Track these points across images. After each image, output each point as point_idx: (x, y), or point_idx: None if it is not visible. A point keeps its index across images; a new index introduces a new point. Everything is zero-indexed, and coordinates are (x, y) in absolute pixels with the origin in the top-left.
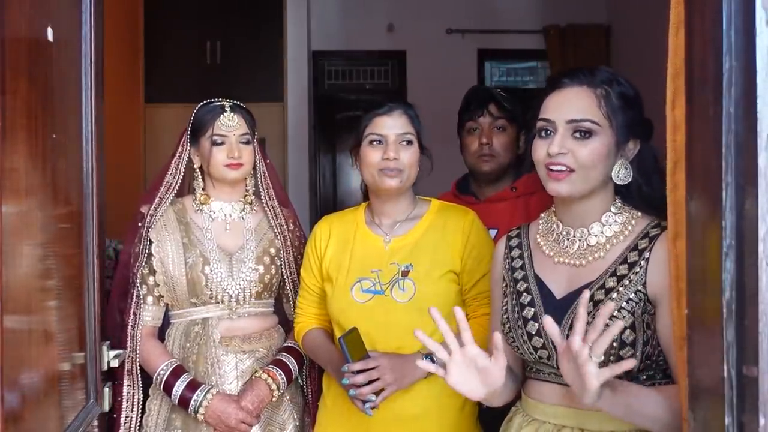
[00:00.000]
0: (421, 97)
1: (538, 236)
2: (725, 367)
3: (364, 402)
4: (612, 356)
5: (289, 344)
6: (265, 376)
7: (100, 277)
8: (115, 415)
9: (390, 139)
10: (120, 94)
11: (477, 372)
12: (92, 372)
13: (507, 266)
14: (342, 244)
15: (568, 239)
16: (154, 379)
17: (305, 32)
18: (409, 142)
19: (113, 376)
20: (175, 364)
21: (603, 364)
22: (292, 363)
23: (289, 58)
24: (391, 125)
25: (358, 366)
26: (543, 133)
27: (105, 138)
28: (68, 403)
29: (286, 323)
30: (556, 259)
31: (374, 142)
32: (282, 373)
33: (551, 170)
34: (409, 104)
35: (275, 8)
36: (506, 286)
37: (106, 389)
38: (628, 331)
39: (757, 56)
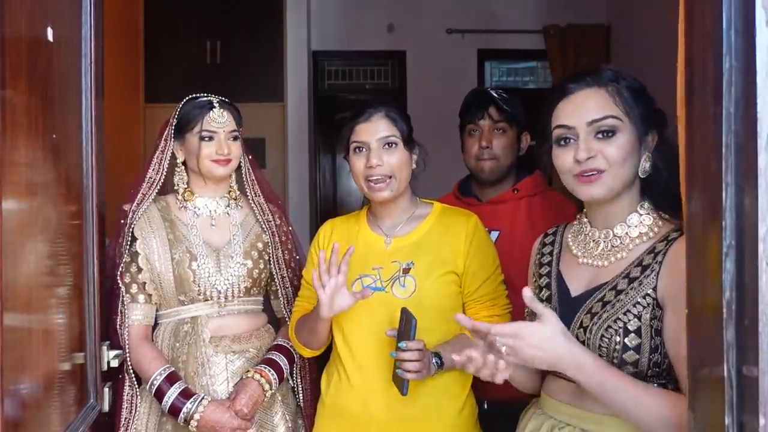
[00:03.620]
0: (421, 97)
1: (569, 236)
2: (725, 367)
3: (403, 381)
4: (615, 360)
5: (279, 342)
6: (257, 376)
7: (100, 277)
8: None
9: (372, 145)
10: (120, 94)
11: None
12: (92, 372)
13: (536, 262)
14: (344, 243)
15: (593, 240)
16: (148, 384)
17: (305, 32)
18: (393, 144)
19: (111, 376)
20: (170, 371)
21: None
22: (283, 361)
23: (289, 58)
24: (372, 130)
25: (415, 345)
26: (563, 141)
27: (105, 138)
28: (68, 402)
29: (275, 322)
30: (581, 260)
31: (357, 150)
32: (273, 372)
33: (582, 175)
34: (391, 105)
35: (275, 8)
36: (534, 281)
37: (106, 389)
38: (632, 335)
39: (757, 56)
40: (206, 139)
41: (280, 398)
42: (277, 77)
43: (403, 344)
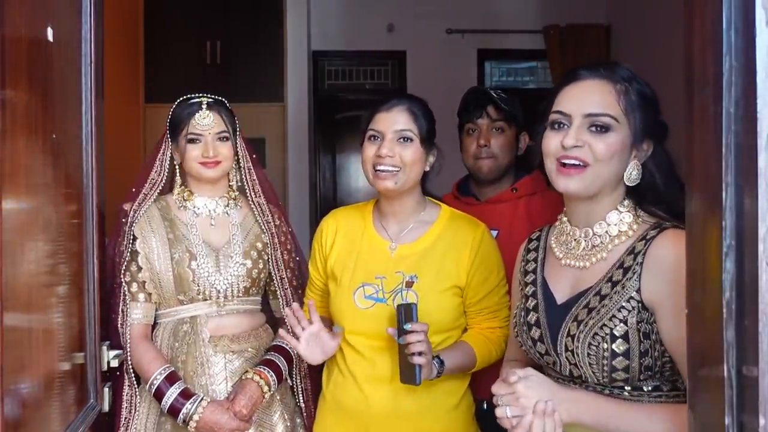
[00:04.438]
0: (421, 97)
1: (552, 238)
2: (725, 367)
3: (415, 367)
4: (605, 367)
5: (278, 343)
6: (256, 377)
7: (100, 277)
8: (112, 418)
9: (387, 135)
10: (120, 94)
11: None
12: (92, 372)
13: (521, 268)
14: (348, 244)
15: (574, 240)
16: (147, 384)
17: (305, 32)
18: (408, 140)
19: (112, 376)
20: (170, 371)
21: (596, 376)
22: (281, 362)
23: (289, 58)
24: (390, 121)
25: (418, 327)
26: (556, 126)
27: (105, 138)
28: (68, 402)
29: (274, 322)
30: (563, 261)
31: (372, 138)
32: (272, 373)
33: (563, 165)
34: (417, 100)
35: (275, 8)
36: (520, 288)
37: (106, 389)
38: (620, 341)
39: (757, 56)
40: (192, 141)
41: (278, 397)
42: (277, 77)
43: (408, 326)
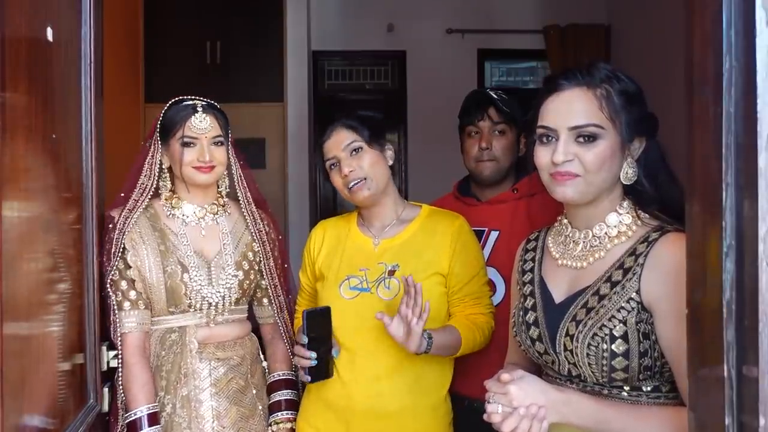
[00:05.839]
0: (421, 97)
1: (549, 238)
2: (725, 367)
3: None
4: (605, 367)
5: (280, 377)
6: (283, 425)
7: (99, 278)
8: (110, 418)
9: (340, 156)
10: (120, 94)
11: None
12: (92, 372)
13: (519, 268)
14: (334, 246)
15: (573, 241)
16: (127, 410)
17: (305, 32)
18: (358, 149)
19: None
20: (155, 410)
21: (595, 376)
22: (294, 395)
23: (289, 58)
24: (336, 143)
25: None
26: (544, 140)
27: (105, 138)
28: (68, 402)
29: (257, 331)
30: (560, 261)
31: (332, 167)
32: (293, 413)
33: (557, 175)
34: (351, 115)
35: (275, 8)
36: (518, 288)
37: (106, 389)
38: (619, 341)
39: (757, 56)
40: (188, 145)
41: (260, 408)
42: (277, 77)
43: (305, 338)
